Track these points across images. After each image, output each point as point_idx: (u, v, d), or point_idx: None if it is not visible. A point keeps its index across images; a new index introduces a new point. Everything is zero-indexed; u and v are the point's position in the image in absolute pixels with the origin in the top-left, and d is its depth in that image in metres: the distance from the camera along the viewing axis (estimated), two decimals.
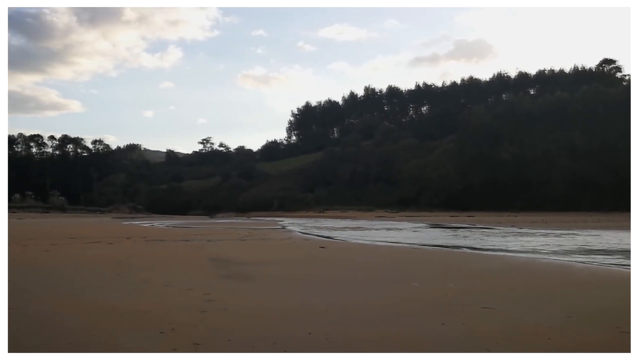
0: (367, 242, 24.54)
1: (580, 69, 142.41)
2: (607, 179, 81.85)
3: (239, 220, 67.30)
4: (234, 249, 18.64)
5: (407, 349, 5.56)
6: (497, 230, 35.17)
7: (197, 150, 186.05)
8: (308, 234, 31.77)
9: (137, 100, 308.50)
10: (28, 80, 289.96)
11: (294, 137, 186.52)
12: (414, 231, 35.86)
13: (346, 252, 18.75)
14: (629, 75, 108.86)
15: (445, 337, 6.08)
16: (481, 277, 11.42)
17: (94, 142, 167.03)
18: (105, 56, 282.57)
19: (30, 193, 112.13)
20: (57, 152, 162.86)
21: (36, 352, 5.37)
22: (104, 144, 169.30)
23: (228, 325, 6.56)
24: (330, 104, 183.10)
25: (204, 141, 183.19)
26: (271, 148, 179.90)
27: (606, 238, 25.75)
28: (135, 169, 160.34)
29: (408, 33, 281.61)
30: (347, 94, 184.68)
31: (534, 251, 18.96)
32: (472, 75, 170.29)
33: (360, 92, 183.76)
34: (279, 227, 43.33)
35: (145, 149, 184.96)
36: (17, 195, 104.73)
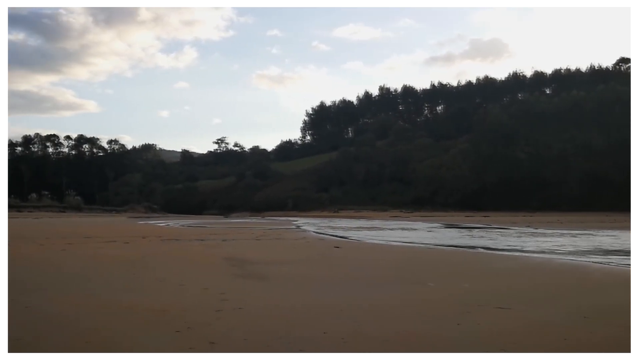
0: (381, 242, 24.45)
1: (596, 68, 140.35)
2: (624, 179, 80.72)
3: (254, 220, 67.52)
4: (249, 249, 18.67)
5: (423, 349, 5.54)
6: (512, 231, 34.90)
7: (212, 150, 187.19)
8: (322, 233, 31.72)
9: (152, 100, 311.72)
10: (44, 81, 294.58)
11: (308, 137, 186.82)
12: (429, 231, 35.69)
13: (361, 252, 18.72)
14: None
15: (461, 337, 6.05)
16: (497, 277, 11.35)
17: (110, 142, 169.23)
18: (120, 56, 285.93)
19: (46, 193, 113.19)
20: (73, 152, 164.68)
21: (56, 351, 5.40)
22: (120, 143, 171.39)
23: (243, 325, 6.58)
24: (345, 104, 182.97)
25: (219, 141, 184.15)
26: (285, 148, 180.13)
27: (623, 238, 25.45)
28: (150, 168, 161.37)
29: (423, 32, 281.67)
30: (361, 93, 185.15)
31: (550, 251, 18.77)
32: (487, 74, 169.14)
33: (375, 92, 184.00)
34: (293, 226, 43.37)
35: (160, 149, 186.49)
36: (34, 195, 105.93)
